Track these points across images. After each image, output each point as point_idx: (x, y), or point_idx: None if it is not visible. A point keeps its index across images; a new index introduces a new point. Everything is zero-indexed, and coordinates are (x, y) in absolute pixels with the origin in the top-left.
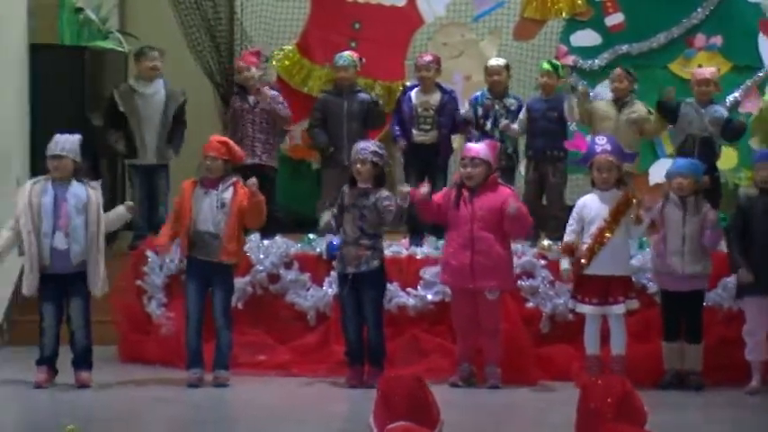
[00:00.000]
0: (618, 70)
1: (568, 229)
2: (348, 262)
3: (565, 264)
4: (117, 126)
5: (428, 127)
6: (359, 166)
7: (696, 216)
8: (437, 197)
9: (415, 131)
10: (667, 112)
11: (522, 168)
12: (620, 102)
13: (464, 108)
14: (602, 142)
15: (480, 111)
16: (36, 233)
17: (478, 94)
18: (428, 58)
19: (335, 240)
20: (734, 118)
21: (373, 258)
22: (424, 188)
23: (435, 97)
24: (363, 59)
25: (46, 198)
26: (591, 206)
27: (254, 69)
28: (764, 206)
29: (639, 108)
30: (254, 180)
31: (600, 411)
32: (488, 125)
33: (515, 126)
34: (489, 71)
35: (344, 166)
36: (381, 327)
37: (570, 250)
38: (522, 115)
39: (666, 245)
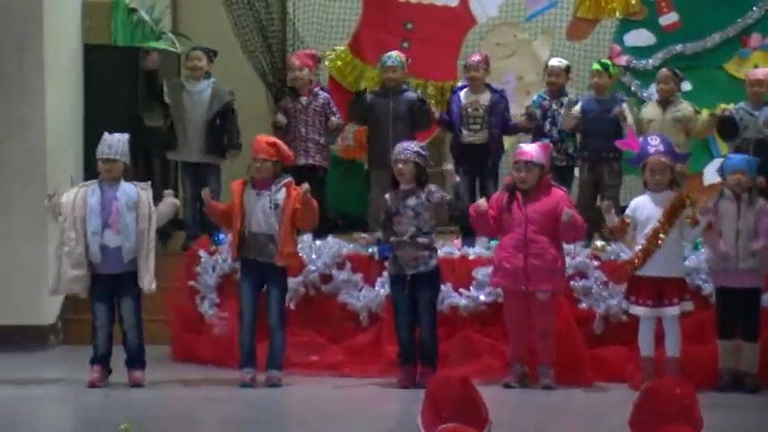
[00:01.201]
0: (664, 71)
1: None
2: (405, 263)
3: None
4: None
5: (477, 126)
6: (401, 166)
7: (750, 210)
8: (489, 209)
9: (464, 131)
10: (727, 129)
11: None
12: (664, 102)
13: (516, 109)
14: (654, 143)
15: (539, 113)
16: (83, 234)
17: (535, 98)
18: (477, 58)
19: None
20: None
21: (431, 258)
22: (482, 203)
23: (485, 97)
24: (410, 60)
25: (92, 199)
26: (644, 208)
27: (306, 71)
28: None
29: (684, 107)
30: (306, 187)
31: (664, 413)
32: (547, 125)
33: (574, 111)
34: (549, 71)
35: (390, 167)
36: (436, 327)
37: (621, 228)
38: (577, 108)
39: (720, 241)
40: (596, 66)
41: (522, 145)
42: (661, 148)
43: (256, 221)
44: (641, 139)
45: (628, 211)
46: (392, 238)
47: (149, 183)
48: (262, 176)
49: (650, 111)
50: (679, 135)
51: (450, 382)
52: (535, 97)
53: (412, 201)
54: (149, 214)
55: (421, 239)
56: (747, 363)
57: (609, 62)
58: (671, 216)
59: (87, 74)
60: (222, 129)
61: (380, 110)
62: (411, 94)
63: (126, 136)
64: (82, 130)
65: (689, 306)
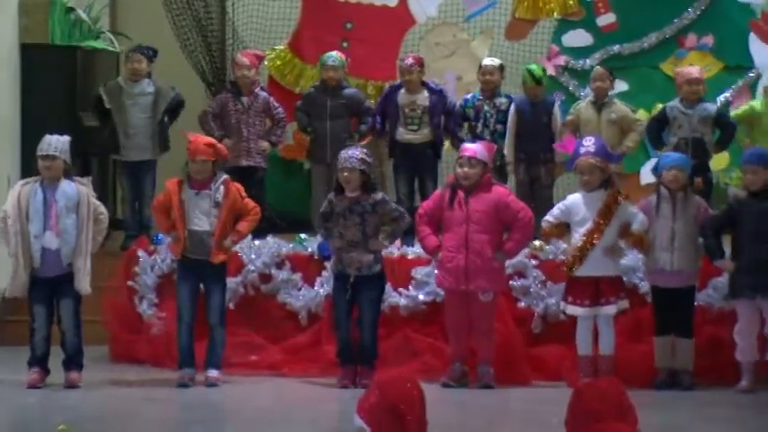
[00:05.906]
0: (599, 69)
1: (549, 215)
2: (349, 265)
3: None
4: (105, 123)
5: (416, 127)
6: (347, 174)
7: (686, 210)
8: (427, 204)
9: (402, 130)
10: (655, 136)
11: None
12: (599, 102)
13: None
14: (587, 144)
15: (472, 113)
16: (25, 235)
17: (469, 96)
18: (409, 60)
19: None
20: (725, 114)
21: (375, 263)
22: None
23: (422, 97)
24: (349, 59)
25: (35, 199)
26: (578, 208)
27: (253, 70)
28: (753, 209)
29: (619, 108)
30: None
31: (596, 413)
32: (479, 127)
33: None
34: (483, 70)
35: (328, 164)
36: (376, 328)
37: (552, 233)
38: (510, 116)
39: (656, 241)
40: (530, 81)
41: (466, 143)
42: (591, 149)
43: (199, 220)
44: (577, 141)
45: (564, 202)
46: (337, 243)
47: (89, 178)
48: (201, 177)
49: (586, 112)
50: (616, 136)
51: (397, 382)
52: (469, 96)
53: (359, 208)
54: (88, 214)
55: (369, 243)
56: (683, 360)
57: (541, 71)
58: (605, 216)
59: (24, 73)
60: (169, 125)
61: (318, 106)
62: (350, 90)
63: (67, 137)
64: (19, 130)
65: (625, 305)
